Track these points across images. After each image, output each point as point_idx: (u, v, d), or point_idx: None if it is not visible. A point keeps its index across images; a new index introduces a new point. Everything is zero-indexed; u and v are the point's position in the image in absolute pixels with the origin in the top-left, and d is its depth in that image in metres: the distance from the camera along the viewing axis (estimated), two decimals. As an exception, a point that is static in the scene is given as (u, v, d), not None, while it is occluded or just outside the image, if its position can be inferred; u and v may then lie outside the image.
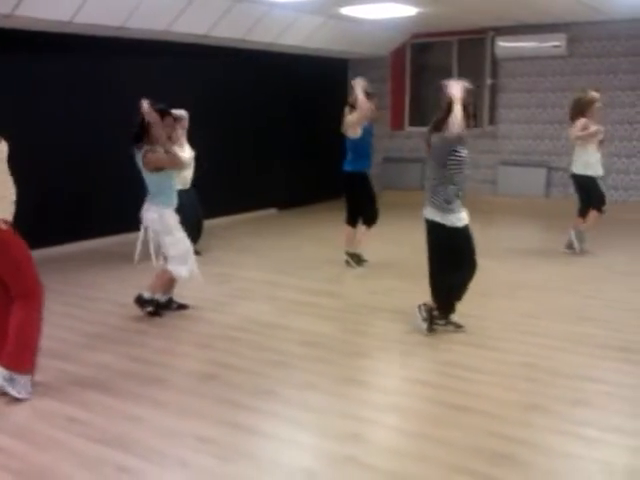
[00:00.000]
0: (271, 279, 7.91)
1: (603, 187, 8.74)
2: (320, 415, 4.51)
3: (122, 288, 7.14)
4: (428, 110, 13.44)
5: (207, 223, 11.09)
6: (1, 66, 8.38)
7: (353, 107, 7.97)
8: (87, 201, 9.42)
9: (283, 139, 12.53)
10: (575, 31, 11.66)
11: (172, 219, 6.33)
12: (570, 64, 11.85)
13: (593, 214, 8.65)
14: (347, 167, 8.15)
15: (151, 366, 5.33)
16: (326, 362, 5.37)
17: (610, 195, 11.70)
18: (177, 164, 6.37)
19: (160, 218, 6.28)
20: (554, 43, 11.66)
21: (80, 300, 7.10)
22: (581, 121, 8.35)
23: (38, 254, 8.63)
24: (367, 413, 4.57)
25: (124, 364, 5.40)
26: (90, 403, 4.68)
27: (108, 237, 9.66)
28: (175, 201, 6.39)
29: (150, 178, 6.25)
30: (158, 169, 6.16)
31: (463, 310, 6.29)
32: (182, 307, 6.72)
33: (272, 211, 12.76)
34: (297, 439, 4.22)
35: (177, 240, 6.34)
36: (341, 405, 4.64)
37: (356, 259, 8.30)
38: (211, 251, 9.39)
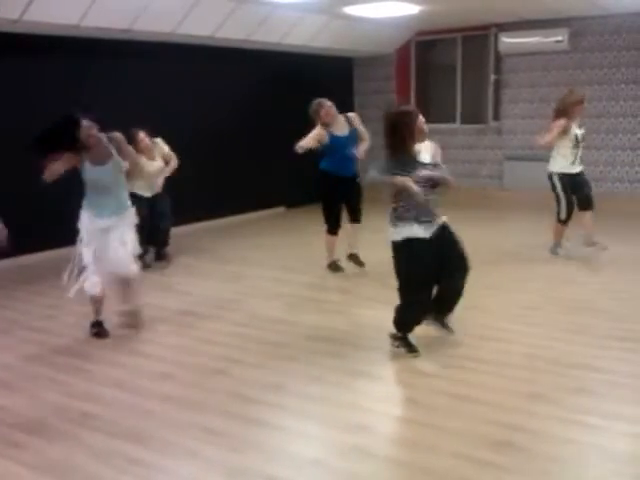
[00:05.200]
0: (279, 276, 8.01)
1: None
2: (327, 407, 4.60)
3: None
4: (434, 107, 13.55)
5: (216, 222, 11.28)
6: (8, 69, 8.54)
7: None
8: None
9: (289, 138, 12.56)
10: (577, 26, 11.69)
11: (79, 222, 5.98)
12: (573, 59, 11.89)
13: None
14: (320, 165, 8.01)
15: (161, 362, 5.46)
16: (333, 356, 5.46)
17: (615, 187, 11.82)
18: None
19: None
20: (556, 38, 11.69)
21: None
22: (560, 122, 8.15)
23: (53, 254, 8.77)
24: (373, 404, 4.67)
25: (135, 361, 5.53)
26: (102, 398, 4.80)
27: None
28: (89, 205, 5.94)
29: None
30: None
31: (468, 302, 6.38)
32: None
33: (280, 210, 12.87)
34: (305, 430, 4.32)
35: (78, 250, 6.00)
36: (348, 397, 4.73)
37: (334, 266, 8.18)
38: (220, 250, 9.51)
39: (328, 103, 7.90)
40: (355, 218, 8.07)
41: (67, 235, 8.07)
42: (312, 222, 10.97)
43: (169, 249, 8.92)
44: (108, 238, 5.96)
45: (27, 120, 8.68)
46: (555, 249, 8.53)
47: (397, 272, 5.35)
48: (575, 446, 3.98)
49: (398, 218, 5.24)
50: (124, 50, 9.50)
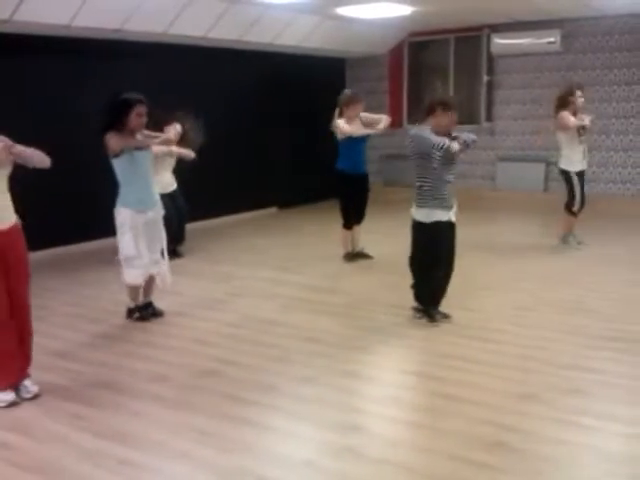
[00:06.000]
0: (272, 276, 7.98)
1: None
2: (319, 407, 4.59)
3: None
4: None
5: (208, 223, 11.24)
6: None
7: (342, 113, 8.14)
8: (90, 202, 9.48)
9: (283, 139, 12.59)
10: (569, 27, 11.72)
11: (120, 218, 6.16)
12: (565, 60, 11.91)
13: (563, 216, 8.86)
14: (337, 165, 8.39)
15: (153, 363, 5.42)
16: (326, 356, 5.45)
17: (608, 188, 11.84)
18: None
19: (115, 216, 6.20)
20: (549, 39, 11.72)
21: (82, 299, 7.19)
22: (562, 113, 8.49)
23: (41, 254, 8.74)
24: (366, 405, 4.66)
25: (127, 362, 5.48)
26: (94, 400, 4.76)
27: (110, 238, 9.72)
28: (132, 200, 6.09)
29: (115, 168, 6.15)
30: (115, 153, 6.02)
31: (461, 303, 6.39)
32: (155, 314, 6.53)
33: (272, 210, 12.85)
34: (297, 431, 4.30)
35: (121, 242, 6.20)
36: (340, 397, 4.72)
37: (349, 256, 8.58)
38: (212, 250, 9.48)
39: (362, 102, 8.27)
40: (358, 220, 8.54)
41: (59, 235, 8.10)
42: (306, 222, 11.01)
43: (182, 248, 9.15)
44: (151, 238, 6.22)
45: (19, 120, 8.67)
46: (566, 239, 8.77)
47: (416, 248, 6.00)
48: (568, 446, 3.97)
49: (425, 200, 5.81)
50: (116, 50, 9.46)
